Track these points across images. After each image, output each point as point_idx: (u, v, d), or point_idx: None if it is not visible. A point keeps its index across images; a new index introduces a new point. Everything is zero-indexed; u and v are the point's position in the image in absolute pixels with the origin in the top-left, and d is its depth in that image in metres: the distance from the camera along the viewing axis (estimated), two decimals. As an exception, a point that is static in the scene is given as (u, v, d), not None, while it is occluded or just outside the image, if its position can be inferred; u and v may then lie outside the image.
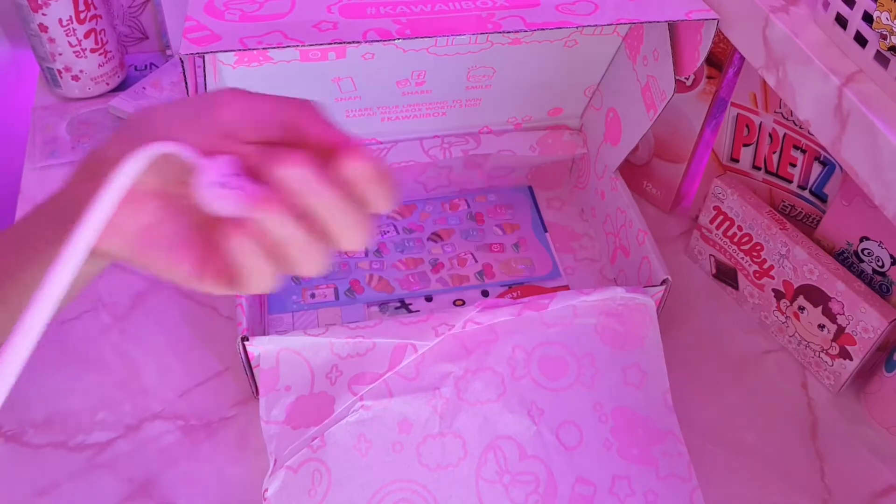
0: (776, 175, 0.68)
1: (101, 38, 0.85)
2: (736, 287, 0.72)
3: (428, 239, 0.75)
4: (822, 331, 0.64)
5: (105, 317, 0.68)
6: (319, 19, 0.51)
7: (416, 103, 0.71)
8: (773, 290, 0.67)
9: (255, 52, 0.61)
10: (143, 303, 0.70)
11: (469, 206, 0.79)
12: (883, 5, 0.44)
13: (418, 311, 0.70)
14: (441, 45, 0.65)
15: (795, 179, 0.67)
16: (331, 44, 0.49)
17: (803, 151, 0.65)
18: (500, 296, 0.70)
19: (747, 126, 0.69)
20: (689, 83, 0.70)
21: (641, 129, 0.66)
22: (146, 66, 0.94)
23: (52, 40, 0.82)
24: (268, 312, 0.68)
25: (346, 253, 0.73)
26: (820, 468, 0.62)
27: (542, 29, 0.52)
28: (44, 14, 0.80)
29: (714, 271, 0.74)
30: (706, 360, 0.68)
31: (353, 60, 0.65)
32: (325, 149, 0.33)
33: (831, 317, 0.62)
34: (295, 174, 0.32)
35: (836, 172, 0.64)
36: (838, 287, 0.61)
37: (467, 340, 0.57)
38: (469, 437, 0.55)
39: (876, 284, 0.61)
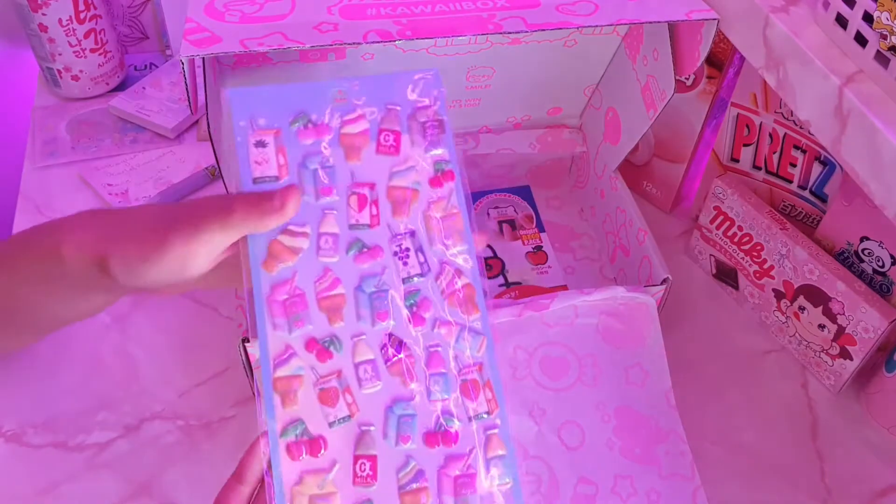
0: (776, 175, 0.68)
1: (101, 38, 0.85)
2: (736, 287, 0.72)
3: (428, 239, 0.75)
4: (822, 331, 0.64)
5: (105, 317, 0.68)
6: (320, 20, 0.51)
7: (416, 103, 0.71)
8: (774, 290, 0.67)
9: (254, 53, 0.61)
10: (143, 303, 0.70)
11: (469, 206, 0.79)
12: (883, 5, 0.44)
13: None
14: (440, 46, 0.65)
15: (796, 179, 0.67)
16: (331, 45, 0.49)
17: (803, 151, 0.65)
18: (499, 295, 0.70)
19: (747, 126, 0.69)
20: (689, 83, 0.70)
21: (641, 128, 0.66)
22: (146, 66, 0.94)
23: (51, 40, 0.82)
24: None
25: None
26: (820, 468, 0.62)
27: (543, 29, 0.52)
28: (44, 14, 0.80)
29: (714, 271, 0.74)
30: (706, 360, 0.68)
31: (352, 61, 0.65)
32: None
33: (832, 317, 0.62)
34: None
35: (837, 172, 0.64)
36: (838, 287, 0.61)
37: (468, 341, 0.57)
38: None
39: (876, 284, 0.61)
